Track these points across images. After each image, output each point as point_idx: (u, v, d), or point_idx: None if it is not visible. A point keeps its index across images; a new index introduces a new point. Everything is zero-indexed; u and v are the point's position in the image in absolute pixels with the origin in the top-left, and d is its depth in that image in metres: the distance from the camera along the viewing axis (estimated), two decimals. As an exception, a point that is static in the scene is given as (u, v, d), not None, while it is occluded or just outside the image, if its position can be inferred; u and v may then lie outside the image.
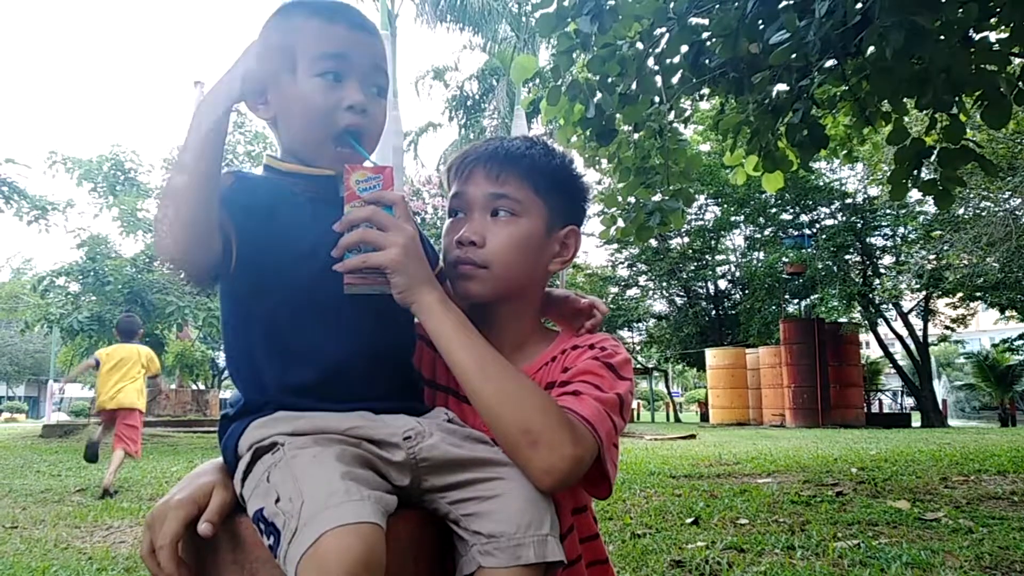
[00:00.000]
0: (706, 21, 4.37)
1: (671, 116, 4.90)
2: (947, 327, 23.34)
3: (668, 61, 4.55)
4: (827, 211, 22.78)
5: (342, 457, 1.03)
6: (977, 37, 4.04)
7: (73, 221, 16.81)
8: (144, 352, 7.06)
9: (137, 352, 6.96)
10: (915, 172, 4.48)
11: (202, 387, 22.08)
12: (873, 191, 20.45)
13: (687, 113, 5.71)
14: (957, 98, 4.21)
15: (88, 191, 15.35)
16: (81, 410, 35.01)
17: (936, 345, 28.70)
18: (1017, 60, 4.32)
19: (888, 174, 4.77)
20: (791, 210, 23.26)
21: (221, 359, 36.34)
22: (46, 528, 4.69)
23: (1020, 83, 4.02)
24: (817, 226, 23.00)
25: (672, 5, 4.29)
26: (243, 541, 1.10)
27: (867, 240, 21.99)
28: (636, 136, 5.06)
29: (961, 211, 15.75)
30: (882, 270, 22.12)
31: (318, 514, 0.94)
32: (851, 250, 21.98)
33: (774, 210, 23.45)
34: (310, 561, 0.91)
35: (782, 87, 4.59)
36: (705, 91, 5.09)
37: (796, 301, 24.11)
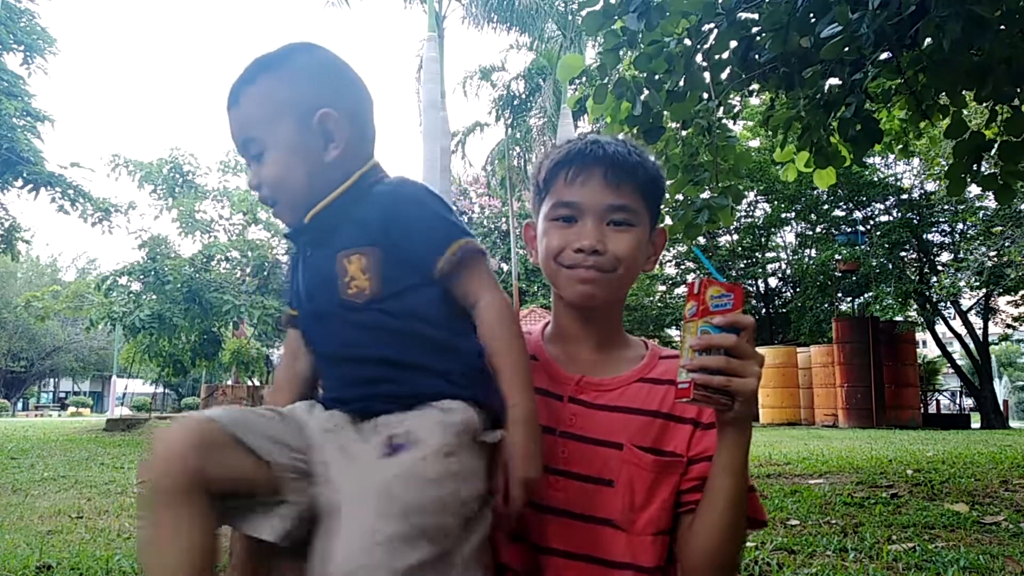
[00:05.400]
0: (756, 16, 4.32)
1: (720, 112, 4.85)
2: (1008, 326, 22.54)
3: (717, 57, 4.50)
4: (882, 207, 22.17)
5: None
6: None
7: (135, 222, 17.26)
8: None
9: None
10: (974, 167, 4.36)
11: (257, 383, 22.53)
12: (930, 186, 19.87)
13: (736, 109, 5.64)
14: (1019, 89, 4.09)
15: (149, 193, 15.77)
16: (143, 405, 36.10)
17: (997, 344, 27.74)
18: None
19: (946, 169, 4.66)
20: (844, 206, 22.70)
21: (275, 356, 37.10)
22: (110, 518, 4.86)
23: (1085, 73, 3.89)
24: (871, 223, 22.40)
25: (720, 0, 4.25)
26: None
27: (924, 237, 21.34)
28: (684, 133, 5.02)
29: (1023, 206, 15.23)
30: (940, 267, 21.46)
31: None
32: (907, 247, 21.36)
33: (826, 206, 22.91)
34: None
35: (834, 81, 4.50)
36: (755, 87, 5.03)
37: (849, 299, 23.54)
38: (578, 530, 1.33)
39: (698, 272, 26.18)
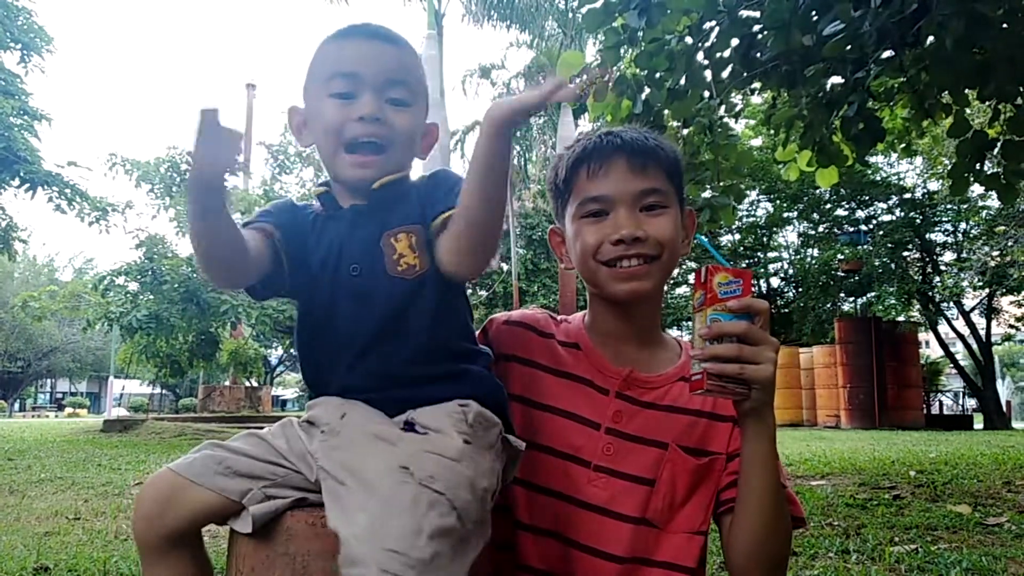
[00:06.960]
0: (757, 14, 4.29)
1: (721, 111, 4.82)
2: (1011, 326, 22.53)
3: (718, 55, 4.47)
4: (884, 206, 22.15)
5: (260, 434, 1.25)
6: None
7: (132, 222, 17.21)
8: None
9: None
10: (977, 166, 4.34)
11: (255, 384, 22.51)
12: (933, 186, 19.84)
13: (738, 108, 5.61)
14: (1022, 87, 4.06)
15: (146, 192, 15.76)
16: (140, 405, 36.12)
17: (1000, 345, 27.74)
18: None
19: (948, 168, 4.63)
20: (846, 206, 22.68)
21: (273, 357, 37.15)
22: (107, 520, 4.83)
23: (1090, 71, 3.86)
24: (874, 222, 22.38)
25: (722, -2, 4.22)
26: (295, 534, 1.15)
27: (927, 236, 21.32)
28: (685, 132, 4.99)
29: (1026, 206, 15.20)
30: (942, 267, 21.44)
31: None
32: (910, 246, 21.34)
33: (829, 206, 22.89)
34: None
35: (837, 79, 4.48)
36: (756, 85, 5.00)
37: (851, 299, 23.51)
38: (613, 528, 1.32)
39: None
